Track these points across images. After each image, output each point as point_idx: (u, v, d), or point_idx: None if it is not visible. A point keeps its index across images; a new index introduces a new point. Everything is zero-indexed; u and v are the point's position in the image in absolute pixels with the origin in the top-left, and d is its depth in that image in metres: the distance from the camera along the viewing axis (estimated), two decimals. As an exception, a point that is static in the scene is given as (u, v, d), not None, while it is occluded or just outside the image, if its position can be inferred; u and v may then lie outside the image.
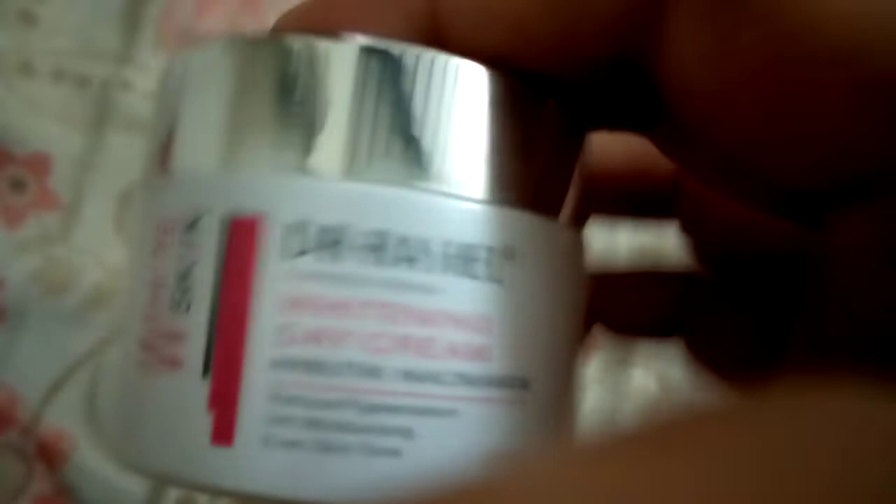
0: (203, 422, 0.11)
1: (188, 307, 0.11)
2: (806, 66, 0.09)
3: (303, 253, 0.10)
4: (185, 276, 0.11)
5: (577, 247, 0.13)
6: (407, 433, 0.11)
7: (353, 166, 0.11)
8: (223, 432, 0.11)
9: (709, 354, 0.16)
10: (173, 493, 0.32)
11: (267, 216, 0.10)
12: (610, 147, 0.15)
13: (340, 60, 0.11)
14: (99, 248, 0.33)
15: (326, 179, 0.10)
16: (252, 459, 0.10)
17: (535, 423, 0.12)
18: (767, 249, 0.15)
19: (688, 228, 0.16)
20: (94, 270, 0.33)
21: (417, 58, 0.11)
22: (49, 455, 0.31)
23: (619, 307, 0.17)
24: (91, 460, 0.31)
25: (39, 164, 0.34)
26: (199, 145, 0.11)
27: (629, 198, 0.16)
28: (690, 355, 0.16)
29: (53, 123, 0.34)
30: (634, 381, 0.35)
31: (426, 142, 0.11)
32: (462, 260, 0.11)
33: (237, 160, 0.11)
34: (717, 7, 0.09)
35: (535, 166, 0.12)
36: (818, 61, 0.09)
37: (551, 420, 0.12)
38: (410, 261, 0.11)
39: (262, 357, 0.10)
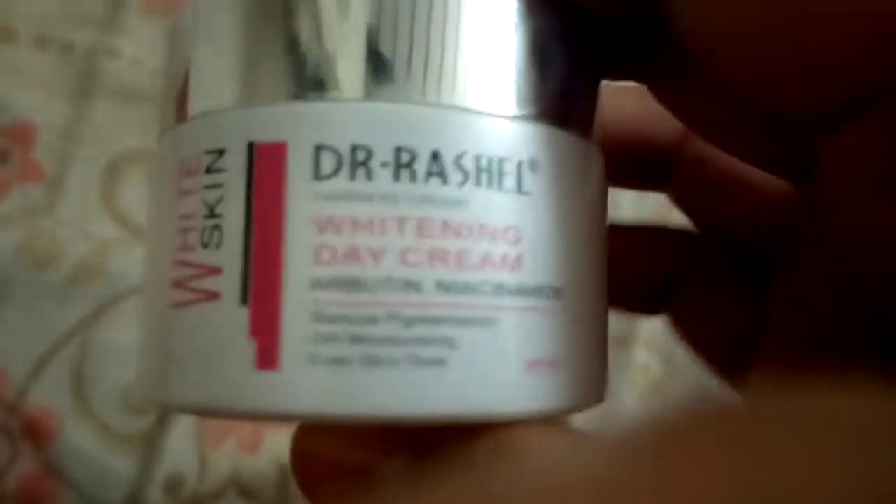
0: (245, 349, 0.11)
1: (220, 240, 0.11)
2: None
3: (332, 174, 0.11)
4: (213, 212, 0.11)
5: (598, 161, 0.13)
6: (450, 343, 0.11)
7: (374, 87, 0.11)
8: (268, 357, 0.11)
9: (693, 328, 0.16)
10: (161, 470, 0.31)
11: (291, 140, 0.11)
12: (611, 115, 0.15)
13: None
14: (85, 221, 0.32)
15: (349, 101, 0.11)
16: (299, 380, 0.11)
17: (569, 331, 0.12)
18: (761, 217, 0.15)
19: (684, 197, 0.16)
20: (81, 244, 0.32)
21: None
22: (35, 433, 0.30)
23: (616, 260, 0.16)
24: (78, 439, 0.31)
25: (23, 133, 0.33)
26: (214, 84, 0.12)
27: (630, 165, 0.16)
28: (675, 326, 0.16)
29: (37, 91, 0.33)
30: (637, 361, 0.34)
31: (448, 59, 0.11)
32: (491, 173, 0.11)
33: (254, 93, 0.11)
34: None
35: (557, 83, 0.12)
36: None
37: (583, 328, 0.12)
38: (441, 175, 0.11)
39: (301, 279, 0.11)
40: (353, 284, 0.11)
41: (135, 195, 0.33)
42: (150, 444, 0.31)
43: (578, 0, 0.12)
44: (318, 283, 0.11)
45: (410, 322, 0.11)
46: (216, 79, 0.11)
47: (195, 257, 0.11)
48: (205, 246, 0.11)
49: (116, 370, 0.31)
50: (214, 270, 0.11)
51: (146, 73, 0.34)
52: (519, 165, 0.11)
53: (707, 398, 0.07)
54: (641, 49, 0.14)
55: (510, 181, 0.11)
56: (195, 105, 0.12)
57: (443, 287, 0.11)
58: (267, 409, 0.11)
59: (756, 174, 0.15)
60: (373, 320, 0.11)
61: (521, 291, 0.11)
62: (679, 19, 0.11)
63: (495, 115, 0.11)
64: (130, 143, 0.33)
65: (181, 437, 0.31)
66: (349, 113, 0.11)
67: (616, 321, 0.17)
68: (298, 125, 0.11)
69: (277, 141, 0.11)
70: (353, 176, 0.11)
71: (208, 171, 0.11)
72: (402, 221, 0.11)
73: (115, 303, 0.32)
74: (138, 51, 0.34)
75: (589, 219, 0.13)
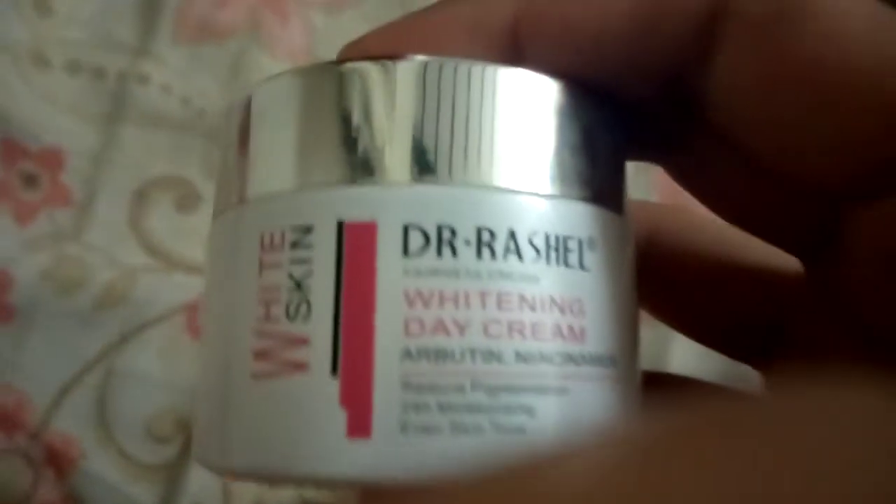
0: (336, 418, 0.11)
1: (308, 313, 0.11)
2: (838, 82, 0.11)
3: (419, 251, 0.11)
4: (299, 285, 0.12)
5: (632, 233, 0.14)
6: (529, 411, 0.11)
7: (457, 172, 0.12)
8: (360, 425, 0.11)
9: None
10: (184, 501, 0.31)
11: (380, 220, 0.11)
12: None
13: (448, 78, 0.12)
14: (112, 247, 0.32)
15: (433, 184, 0.12)
16: (391, 448, 0.11)
17: (624, 399, 0.13)
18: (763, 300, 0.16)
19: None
20: (107, 269, 0.32)
21: (485, 70, 0.12)
22: (57, 461, 0.30)
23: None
24: (99, 467, 0.30)
25: (53, 158, 0.33)
26: (298, 163, 0.12)
27: None
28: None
29: (68, 117, 0.33)
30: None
31: (520, 148, 0.12)
32: (559, 251, 0.12)
33: (341, 174, 0.12)
34: (768, 23, 0.11)
35: (603, 166, 0.13)
36: (850, 78, 0.11)
37: (632, 394, 0.13)
38: (517, 253, 0.12)
39: (391, 350, 0.11)
40: (441, 355, 0.11)
41: (163, 222, 0.33)
42: (173, 474, 0.31)
43: (617, 87, 0.13)
44: (407, 354, 0.11)
45: (494, 390, 0.11)
46: (303, 157, 0.12)
47: (280, 328, 0.12)
48: (291, 318, 0.12)
49: (140, 399, 0.31)
50: (302, 341, 0.11)
51: (176, 99, 0.34)
52: (580, 243, 0.12)
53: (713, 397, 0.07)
54: (665, 134, 0.14)
55: (574, 258, 0.12)
56: (276, 182, 0.12)
57: (521, 357, 0.12)
58: (359, 475, 0.11)
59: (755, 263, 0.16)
60: (459, 389, 0.11)
61: (587, 361, 0.12)
62: (715, 101, 0.12)
63: (559, 198, 0.12)
64: (159, 170, 0.33)
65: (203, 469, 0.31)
66: (434, 195, 0.12)
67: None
68: (386, 206, 0.11)
69: (367, 220, 0.11)
70: (440, 253, 0.11)
71: (294, 246, 0.12)
72: (484, 295, 0.11)
73: (141, 330, 0.32)
74: (168, 78, 0.34)
75: (630, 289, 0.13)
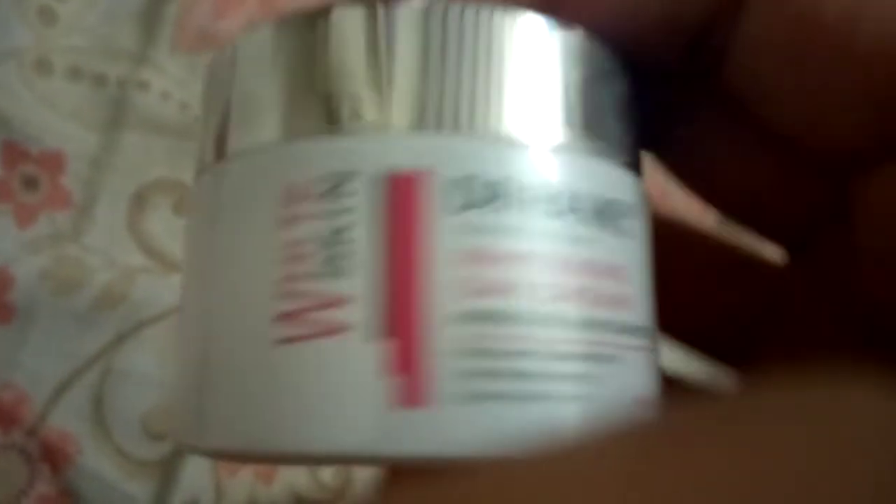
0: (383, 387, 0.10)
1: (349, 269, 0.10)
2: (863, 43, 0.11)
3: (469, 207, 0.10)
4: (333, 241, 0.10)
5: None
6: (585, 379, 0.11)
7: (508, 127, 0.11)
8: (412, 394, 0.10)
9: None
10: (177, 497, 0.31)
11: (427, 172, 0.10)
12: None
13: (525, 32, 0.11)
14: (111, 249, 0.33)
15: (483, 137, 0.11)
16: (452, 418, 0.10)
17: (657, 370, 0.12)
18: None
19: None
20: (106, 271, 0.33)
21: (563, 35, 0.12)
22: (53, 457, 0.31)
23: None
24: (96, 463, 0.31)
25: (53, 161, 0.34)
26: (339, 105, 0.11)
27: None
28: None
29: (69, 122, 0.34)
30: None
31: (574, 110, 0.11)
32: (611, 215, 0.11)
33: (386, 119, 0.10)
34: None
35: (635, 132, 0.13)
36: (876, 40, 0.11)
37: (658, 367, 0.13)
38: (574, 213, 0.11)
39: (447, 313, 0.10)
40: (498, 318, 0.10)
41: (161, 224, 0.34)
42: (167, 470, 0.31)
43: (643, 46, 0.13)
44: (463, 318, 0.10)
45: (553, 357, 0.10)
46: (336, 100, 0.11)
47: (310, 287, 0.10)
48: (325, 275, 0.10)
49: (136, 396, 0.32)
50: (340, 300, 0.10)
51: (175, 106, 0.35)
52: (628, 210, 0.12)
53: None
54: (672, 107, 0.14)
55: (625, 224, 0.12)
56: (307, 125, 0.11)
57: (578, 323, 0.11)
58: (413, 451, 0.10)
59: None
60: (521, 354, 0.10)
61: (635, 330, 0.12)
62: (738, 60, 0.12)
63: (615, 163, 0.12)
64: (158, 174, 0.34)
65: (197, 465, 0.31)
66: (485, 149, 0.11)
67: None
68: (433, 156, 0.10)
69: (412, 171, 0.10)
70: (488, 210, 0.10)
71: (328, 195, 0.10)
72: (539, 257, 0.11)
73: (138, 330, 0.32)
74: (167, 85, 0.35)
75: (652, 257, 0.13)
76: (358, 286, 0.10)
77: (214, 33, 0.36)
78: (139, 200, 0.34)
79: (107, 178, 0.34)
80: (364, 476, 0.33)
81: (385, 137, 0.10)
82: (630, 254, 0.12)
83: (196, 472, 0.31)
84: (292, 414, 0.10)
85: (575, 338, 0.11)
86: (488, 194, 0.10)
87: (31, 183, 0.33)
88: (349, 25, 0.11)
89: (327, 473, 0.33)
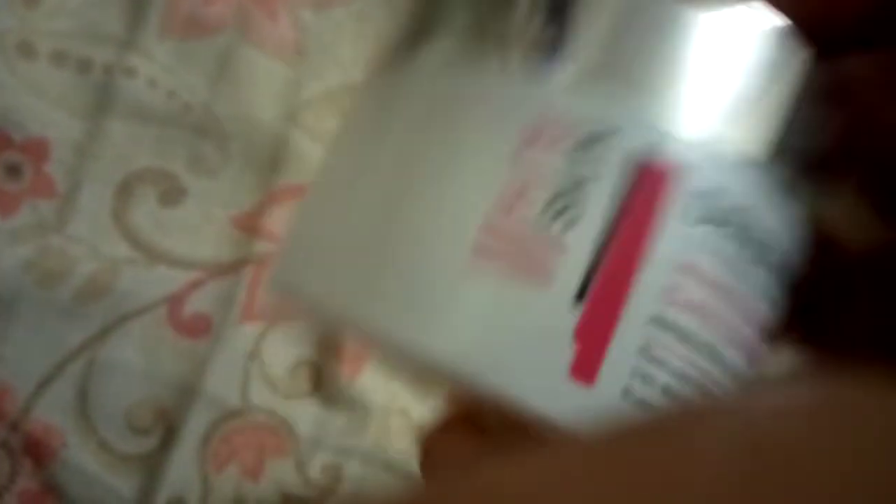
0: (564, 351, 0.10)
1: (572, 222, 0.10)
2: None
3: (704, 222, 0.10)
4: (570, 191, 0.10)
5: None
6: None
7: (757, 150, 0.10)
8: (586, 369, 0.10)
9: None
10: (163, 493, 0.31)
11: (680, 172, 0.10)
12: None
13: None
14: (95, 239, 0.32)
15: (745, 159, 0.10)
16: (607, 408, 0.10)
17: None
18: None
19: None
20: (90, 261, 0.32)
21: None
22: (36, 451, 0.30)
23: None
24: (80, 458, 0.30)
25: (37, 149, 0.33)
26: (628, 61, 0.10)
27: None
28: None
29: (53, 108, 0.33)
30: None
31: (801, 141, 0.11)
32: (788, 274, 0.11)
33: (667, 104, 0.10)
34: None
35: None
36: None
37: None
38: (782, 273, 0.11)
39: (644, 309, 0.10)
40: (685, 335, 0.10)
41: (146, 215, 0.33)
42: (153, 465, 0.31)
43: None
44: (656, 321, 0.10)
45: (706, 392, 0.11)
46: (622, 59, 0.10)
47: (532, 223, 0.10)
48: (551, 217, 0.10)
49: (121, 390, 0.31)
50: (556, 248, 0.10)
51: (162, 93, 0.34)
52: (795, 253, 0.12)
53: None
54: None
55: (786, 276, 0.12)
56: (579, 73, 0.10)
57: (731, 371, 0.11)
58: (570, 423, 0.10)
59: None
60: (685, 378, 0.10)
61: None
62: None
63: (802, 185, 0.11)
64: (144, 163, 0.34)
65: (184, 460, 0.31)
66: (742, 172, 0.10)
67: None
68: (692, 158, 0.10)
69: (667, 164, 0.10)
70: (720, 233, 0.10)
71: (572, 149, 0.10)
72: (741, 298, 0.11)
73: (123, 322, 0.32)
74: (155, 71, 0.34)
75: None
76: (578, 245, 0.10)
77: (203, 19, 0.35)
78: (125, 190, 0.33)
79: (92, 167, 0.33)
80: (353, 474, 0.33)
81: (656, 118, 0.10)
82: (775, 303, 0.12)
83: (182, 468, 0.31)
84: (465, 328, 0.10)
85: (720, 380, 0.11)
86: (725, 217, 0.10)
87: (14, 171, 0.33)
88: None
89: (315, 470, 0.32)
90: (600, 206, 0.10)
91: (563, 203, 0.10)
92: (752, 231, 0.11)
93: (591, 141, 0.10)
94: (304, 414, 0.32)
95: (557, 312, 0.10)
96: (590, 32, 0.10)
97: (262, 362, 0.32)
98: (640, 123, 0.10)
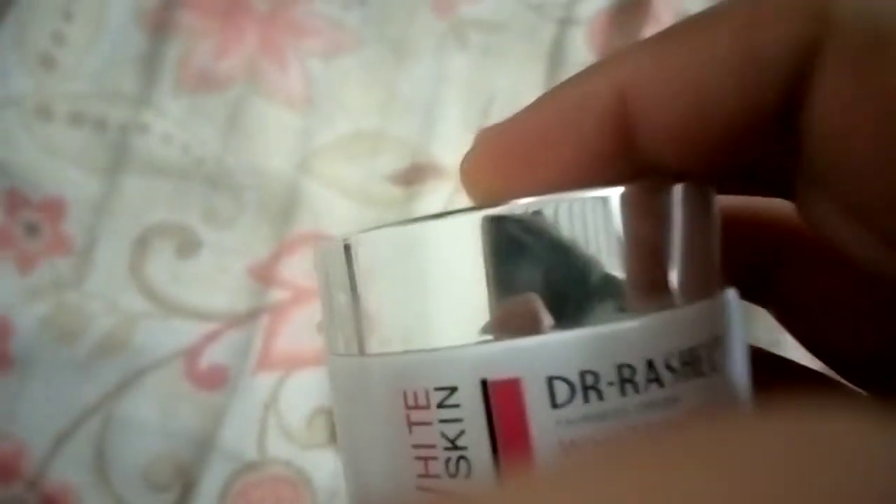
0: None
1: (468, 471, 0.11)
2: None
3: (567, 401, 0.11)
4: (454, 444, 0.12)
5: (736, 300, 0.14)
6: None
7: (588, 316, 0.11)
8: None
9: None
10: (182, 552, 0.30)
11: (524, 375, 0.11)
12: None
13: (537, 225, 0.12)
14: (112, 293, 0.33)
15: (568, 331, 0.11)
16: None
17: None
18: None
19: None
20: (107, 316, 0.32)
21: (596, 202, 0.12)
22: (53, 510, 0.30)
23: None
24: (96, 516, 0.30)
25: (54, 207, 0.33)
26: (434, 321, 0.12)
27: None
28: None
29: (70, 167, 0.34)
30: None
31: (642, 271, 0.12)
32: (692, 363, 0.12)
33: (479, 331, 0.12)
34: (865, 54, 0.10)
35: (713, 257, 0.13)
36: None
37: None
38: (657, 381, 0.11)
39: None
40: None
41: (163, 267, 0.33)
42: (169, 522, 0.30)
43: (724, 137, 0.12)
44: None
45: None
46: (434, 315, 0.12)
47: (441, 485, 0.12)
48: (451, 476, 0.12)
49: (138, 446, 0.31)
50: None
51: (176, 148, 0.35)
52: (709, 346, 0.12)
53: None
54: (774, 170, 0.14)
55: (705, 365, 0.12)
56: (410, 341, 0.12)
57: None
58: None
59: None
60: None
61: None
62: (809, 139, 0.11)
63: (688, 305, 0.12)
64: (160, 217, 0.34)
65: (201, 516, 0.30)
66: (573, 342, 0.11)
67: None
68: (529, 360, 0.11)
69: (511, 377, 0.11)
70: (586, 399, 0.11)
71: (441, 406, 0.12)
72: (632, 431, 0.11)
73: (139, 377, 0.32)
74: (168, 127, 0.35)
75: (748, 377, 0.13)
76: (477, 484, 0.11)
77: (215, 73, 0.36)
78: (141, 244, 0.33)
79: (108, 223, 0.33)
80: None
81: (478, 350, 0.12)
82: (719, 388, 0.12)
83: (199, 524, 0.30)
84: None
85: None
86: (582, 385, 0.11)
87: (32, 229, 0.33)
88: (453, 241, 0.12)
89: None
90: (481, 443, 0.11)
91: (456, 454, 0.11)
92: (604, 379, 0.11)
93: (448, 393, 0.11)
94: (321, 464, 0.31)
95: None
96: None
97: (278, 412, 0.32)
98: (481, 361, 0.11)
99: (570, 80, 0.12)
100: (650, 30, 0.37)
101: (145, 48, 0.36)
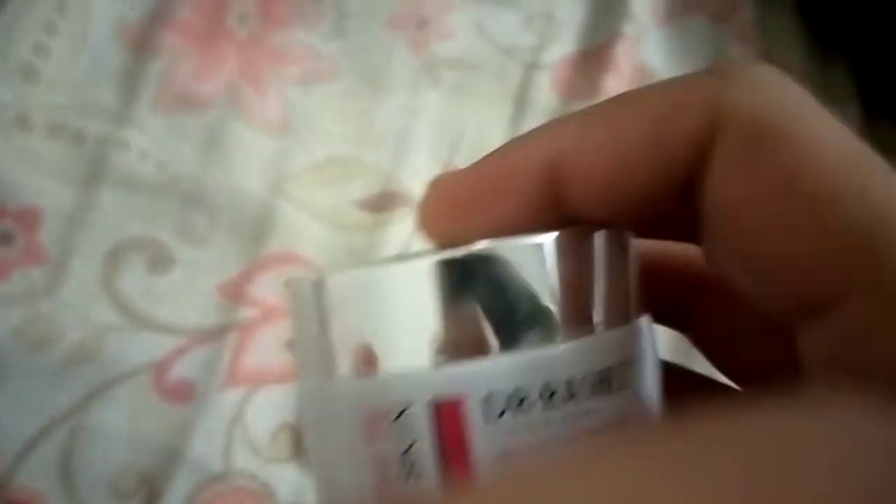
0: None
1: (419, 478, 0.13)
2: (803, 206, 0.12)
3: (501, 415, 0.13)
4: (407, 455, 0.13)
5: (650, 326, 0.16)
6: None
7: (521, 341, 0.14)
8: None
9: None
10: (143, 559, 0.31)
11: (466, 394, 0.13)
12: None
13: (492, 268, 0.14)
14: (84, 305, 0.33)
15: (504, 355, 0.13)
16: None
17: None
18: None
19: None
20: (79, 327, 0.33)
21: (531, 246, 0.14)
22: (19, 516, 0.31)
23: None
24: (62, 523, 0.31)
25: (29, 217, 0.34)
26: (394, 352, 0.14)
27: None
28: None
29: (47, 178, 0.34)
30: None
31: (564, 306, 0.14)
32: (604, 382, 0.14)
33: (431, 355, 0.14)
34: (749, 145, 0.12)
35: (630, 291, 0.15)
36: (812, 203, 0.12)
37: None
38: (573, 397, 0.13)
39: None
40: None
41: (135, 281, 0.34)
42: (134, 530, 0.31)
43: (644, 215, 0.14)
44: None
45: None
46: (397, 344, 0.14)
47: (399, 489, 0.13)
48: (405, 481, 0.13)
49: (105, 455, 0.32)
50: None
51: (153, 164, 0.36)
52: (619, 368, 0.14)
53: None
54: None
55: (616, 383, 0.14)
56: (369, 367, 0.14)
57: None
58: None
59: None
60: None
61: None
62: (707, 220, 0.14)
63: (604, 332, 0.14)
64: (133, 232, 0.35)
65: (165, 525, 0.31)
66: (505, 366, 0.13)
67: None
68: (470, 382, 0.13)
69: (455, 396, 0.13)
70: (517, 414, 0.13)
71: (398, 419, 0.14)
72: (555, 440, 0.13)
73: (109, 388, 0.33)
74: (147, 143, 0.36)
75: (659, 397, 0.15)
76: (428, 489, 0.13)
77: (196, 94, 0.37)
78: (114, 257, 0.34)
79: (82, 235, 0.34)
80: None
81: (429, 374, 0.14)
82: (628, 405, 0.14)
83: (163, 533, 0.31)
84: None
85: None
86: (513, 401, 0.13)
87: (6, 238, 0.34)
88: (422, 277, 0.14)
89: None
90: (429, 454, 0.13)
91: (408, 463, 0.13)
92: (529, 394, 0.13)
93: (403, 410, 0.13)
94: (285, 478, 0.33)
95: None
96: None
97: (244, 426, 0.33)
98: (429, 384, 0.13)
99: (514, 140, 0.14)
100: (610, 77, 0.40)
101: (127, 65, 0.36)
